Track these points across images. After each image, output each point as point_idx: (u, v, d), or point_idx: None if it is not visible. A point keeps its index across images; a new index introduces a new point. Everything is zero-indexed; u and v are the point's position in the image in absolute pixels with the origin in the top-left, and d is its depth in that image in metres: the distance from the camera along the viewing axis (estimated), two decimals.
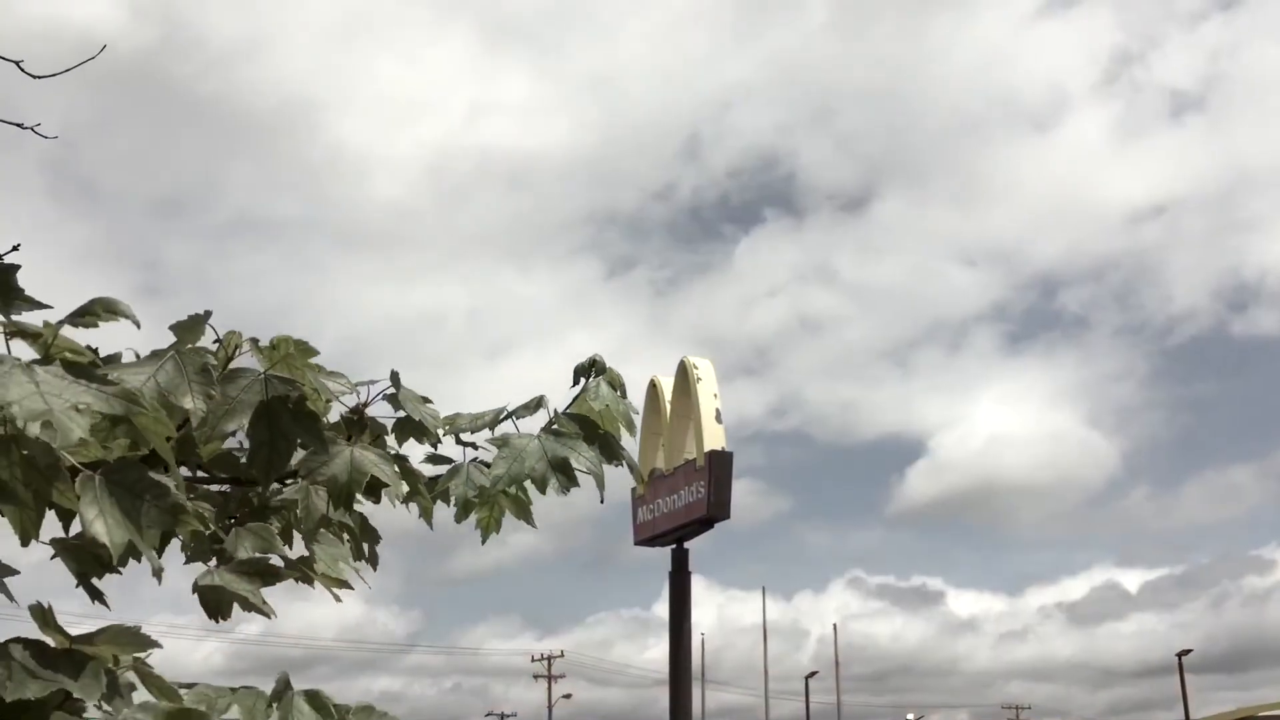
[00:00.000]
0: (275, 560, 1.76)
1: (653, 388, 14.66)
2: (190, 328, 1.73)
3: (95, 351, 1.77)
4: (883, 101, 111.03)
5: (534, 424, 1.90)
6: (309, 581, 1.94)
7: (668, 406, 14.19)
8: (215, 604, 1.66)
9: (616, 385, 1.96)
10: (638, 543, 14.49)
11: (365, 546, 1.92)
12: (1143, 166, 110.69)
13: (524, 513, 1.90)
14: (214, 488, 1.84)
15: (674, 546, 14.03)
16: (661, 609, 14.06)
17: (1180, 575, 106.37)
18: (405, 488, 1.81)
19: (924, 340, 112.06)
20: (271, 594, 1.75)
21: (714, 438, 13.46)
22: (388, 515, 1.93)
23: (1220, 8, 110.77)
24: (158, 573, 1.49)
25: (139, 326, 1.68)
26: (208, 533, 1.80)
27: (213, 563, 1.74)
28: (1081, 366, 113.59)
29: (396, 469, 1.78)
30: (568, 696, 61.74)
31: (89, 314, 1.65)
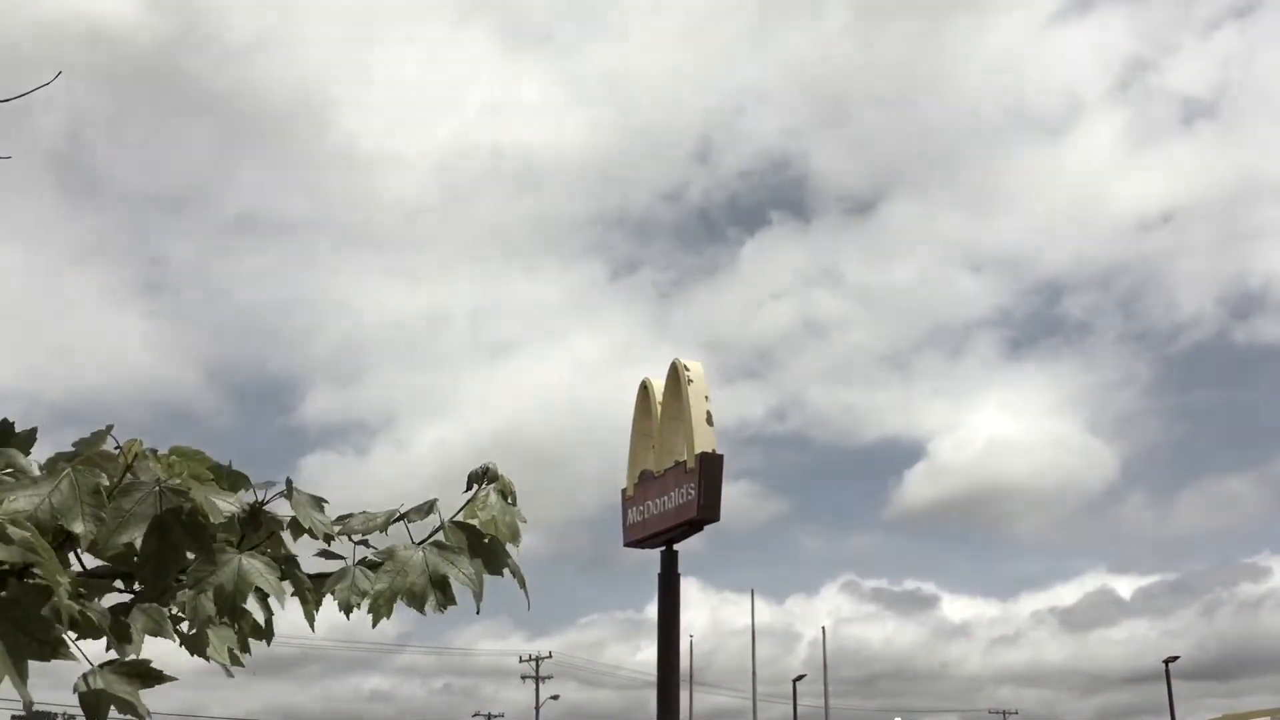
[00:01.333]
0: (155, 664, 1.86)
1: (644, 389, 14.72)
2: (93, 442, 1.83)
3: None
4: (897, 105, 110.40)
5: (425, 527, 1.99)
6: (204, 656, 2.04)
7: (658, 408, 14.24)
8: (94, 706, 1.76)
9: (507, 494, 2.05)
10: (627, 544, 14.55)
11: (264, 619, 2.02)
12: (1153, 173, 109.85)
13: (415, 600, 1.97)
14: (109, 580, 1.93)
15: (664, 548, 14.08)
16: (654, 611, 14.09)
17: (1174, 582, 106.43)
18: (289, 593, 1.89)
19: (926, 345, 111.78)
20: None
21: (705, 440, 13.48)
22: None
23: (1235, 15, 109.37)
24: (28, 707, 1.59)
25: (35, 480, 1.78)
26: (103, 624, 1.90)
27: (104, 657, 1.83)
28: (1084, 373, 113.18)
29: (279, 575, 1.86)
30: (555, 697, 62.44)
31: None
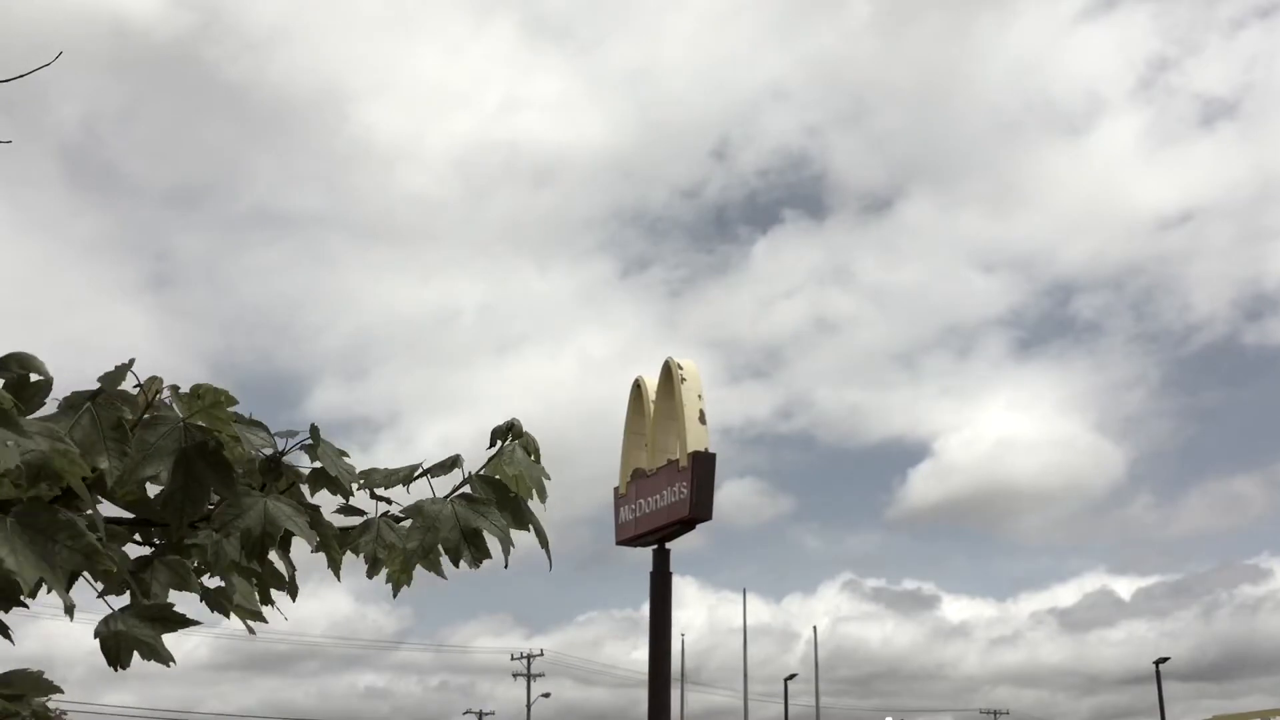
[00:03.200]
0: (180, 606, 1.82)
1: (636, 388, 14.69)
2: (114, 377, 1.79)
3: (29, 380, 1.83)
4: (919, 102, 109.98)
5: (447, 483, 1.96)
6: (225, 612, 2.00)
7: (651, 406, 14.20)
8: (115, 651, 1.72)
9: (531, 450, 2.01)
10: (620, 542, 14.50)
11: (288, 574, 1.99)
12: (1172, 173, 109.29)
13: (433, 566, 1.95)
14: (129, 529, 1.89)
15: (655, 547, 14.04)
16: None
17: (1174, 583, 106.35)
18: (316, 539, 1.86)
19: (936, 345, 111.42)
20: None
21: (697, 439, 13.45)
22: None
23: (1260, 15, 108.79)
24: (69, 610, 1.55)
25: (51, 383, 1.74)
26: (123, 571, 1.87)
27: (121, 600, 1.80)
28: (1093, 373, 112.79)
29: (308, 520, 1.83)
30: (546, 695, 62.17)
31: (5, 369, 1.71)
